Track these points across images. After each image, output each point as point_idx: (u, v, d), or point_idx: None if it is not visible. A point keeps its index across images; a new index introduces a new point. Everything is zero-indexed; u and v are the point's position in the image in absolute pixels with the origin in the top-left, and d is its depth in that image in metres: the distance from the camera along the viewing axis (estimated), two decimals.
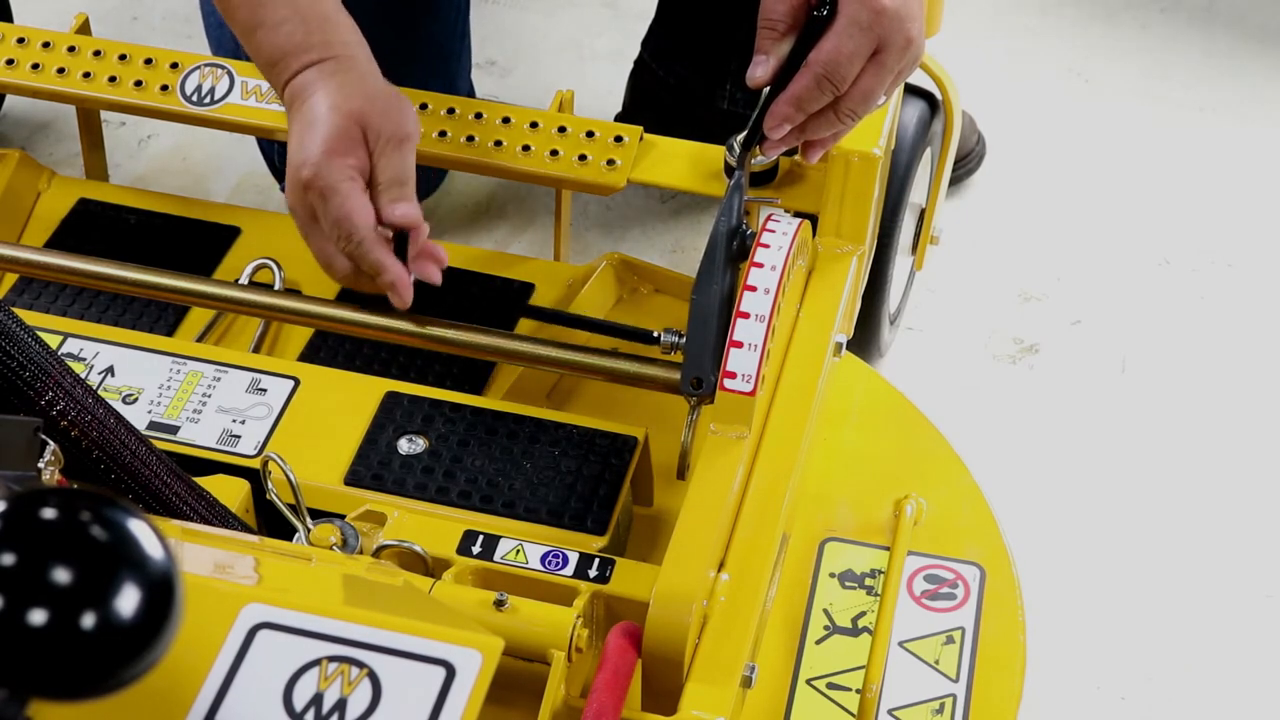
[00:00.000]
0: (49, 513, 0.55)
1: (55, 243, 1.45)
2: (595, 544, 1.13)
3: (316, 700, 0.69)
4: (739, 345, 1.07)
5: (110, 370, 1.25)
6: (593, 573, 1.06)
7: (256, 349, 1.35)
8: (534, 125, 1.38)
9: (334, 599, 0.81)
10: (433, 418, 1.22)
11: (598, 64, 1.98)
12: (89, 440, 0.92)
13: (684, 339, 1.13)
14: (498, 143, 1.37)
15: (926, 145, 1.50)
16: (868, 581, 1.15)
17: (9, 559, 0.53)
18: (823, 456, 1.22)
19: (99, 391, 1.20)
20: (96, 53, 1.44)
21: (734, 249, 1.12)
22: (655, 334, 1.19)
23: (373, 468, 1.18)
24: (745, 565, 1.04)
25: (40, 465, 0.82)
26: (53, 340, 1.25)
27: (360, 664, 0.70)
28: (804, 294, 1.21)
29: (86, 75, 1.43)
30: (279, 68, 1.16)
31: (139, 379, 1.24)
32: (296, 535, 1.07)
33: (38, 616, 0.53)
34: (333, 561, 0.99)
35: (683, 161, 1.36)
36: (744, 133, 1.31)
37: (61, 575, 0.53)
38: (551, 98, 1.42)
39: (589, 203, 1.78)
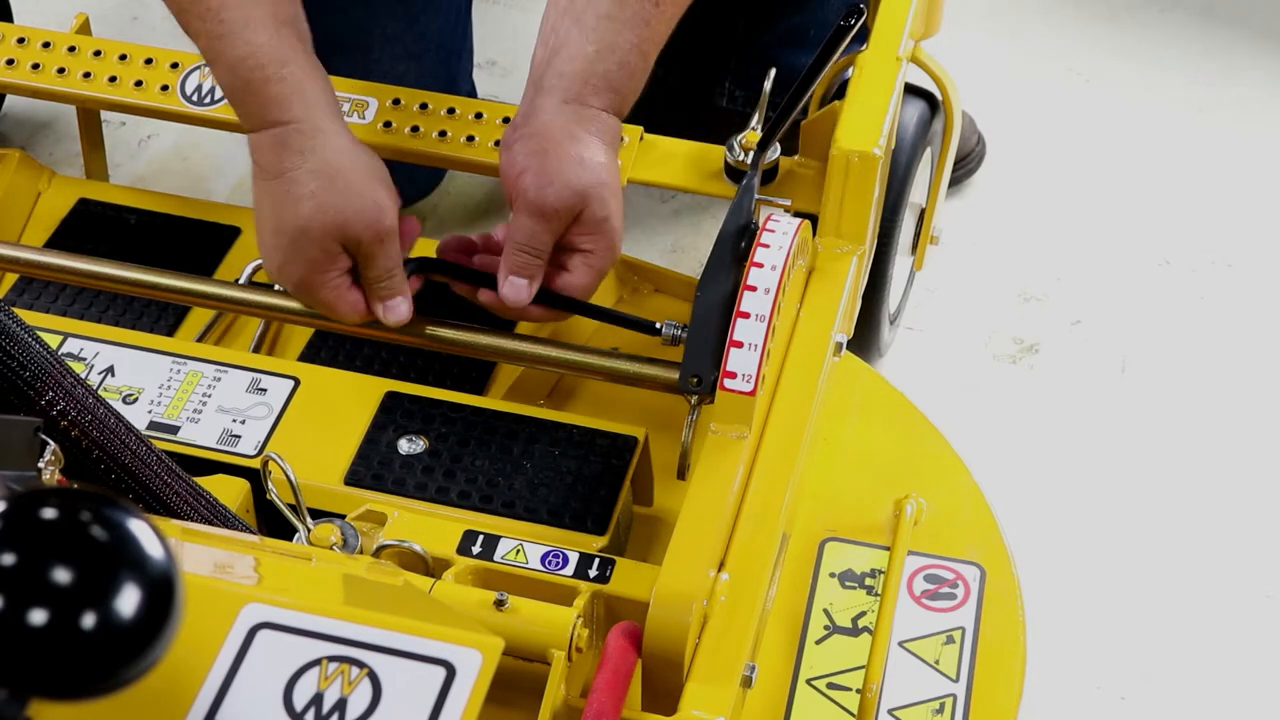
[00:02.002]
0: (49, 513, 0.55)
1: (55, 243, 1.45)
2: (595, 544, 1.13)
3: (316, 700, 0.69)
4: (739, 345, 1.07)
5: (110, 370, 1.25)
6: (593, 573, 1.06)
7: (256, 349, 1.35)
8: None
9: (334, 599, 0.81)
10: (433, 418, 1.22)
11: None
12: (89, 440, 0.92)
13: (685, 332, 1.13)
14: (498, 143, 1.37)
15: (926, 145, 1.50)
16: (868, 581, 1.15)
17: (9, 559, 0.53)
18: (823, 456, 1.22)
19: (99, 391, 1.20)
20: (96, 53, 1.44)
21: (742, 248, 1.12)
22: (658, 325, 1.19)
23: (373, 468, 1.18)
24: (745, 565, 1.04)
25: (40, 465, 0.82)
26: (53, 340, 1.25)
27: (360, 664, 0.70)
28: (804, 294, 1.21)
29: (87, 75, 1.43)
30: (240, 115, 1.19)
31: (139, 379, 1.24)
32: (296, 535, 1.07)
33: (38, 616, 0.53)
34: (333, 561, 0.99)
35: (683, 161, 1.36)
36: (744, 133, 1.31)
37: (62, 575, 0.53)
38: None
39: None
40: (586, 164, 1.16)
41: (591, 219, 1.17)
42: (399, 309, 1.19)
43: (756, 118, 1.31)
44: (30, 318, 1.14)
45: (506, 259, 1.17)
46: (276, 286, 1.34)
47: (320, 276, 1.17)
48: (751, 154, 1.30)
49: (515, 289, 1.17)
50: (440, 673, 0.71)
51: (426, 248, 1.29)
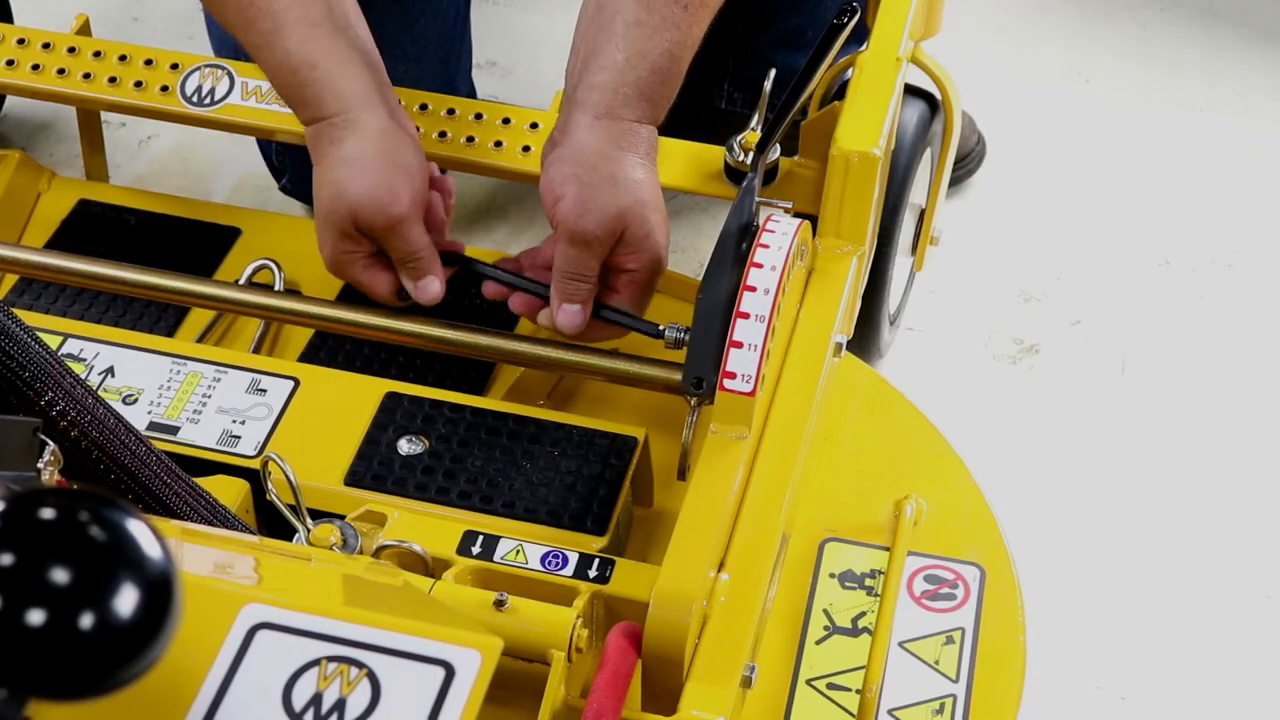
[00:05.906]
0: (48, 513, 0.55)
1: (55, 243, 1.45)
2: (595, 544, 1.13)
3: (316, 700, 0.69)
4: (739, 345, 1.07)
5: (110, 371, 1.25)
6: (593, 573, 1.06)
7: (256, 349, 1.35)
8: (534, 125, 1.38)
9: (334, 599, 0.81)
10: (433, 418, 1.22)
11: None
12: (89, 441, 0.92)
13: (688, 335, 1.13)
14: (498, 143, 1.37)
15: (926, 145, 1.50)
16: (868, 582, 1.15)
17: (8, 559, 0.53)
18: (823, 456, 1.22)
19: (99, 392, 1.20)
20: (97, 53, 1.44)
21: (743, 250, 1.12)
22: (661, 328, 1.19)
23: (373, 468, 1.18)
24: (745, 565, 1.04)
25: (40, 465, 0.82)
26: (53, 341, 1.25)
27: (360, 664, 0.70)
28: (804, 294, 1.21)
29: (87, 76, 1.43)
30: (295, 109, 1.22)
31: (139, 379, 1.24)
32: (296, 535, 1.07)
33: (36, 616, 0.53)
34: (332, 561, 0.99)
35: (683, 161, 1.36)
36: (744, 133, 1.31)
37: (60, 575, 0.53)
38: (551, 98, 1.42)
39: None
40: (621, 184, 1.16)
41: (633, 239, 1.17)
42: (429, 288, 1.20)
43: (756, 118, 1.31)
44: (30, 318, 1.14)
45: (556, 287, 1.18)
46: (277, 286, 1.35)
47: (346, 257, 1.20)
48: (751, 155, 1.30)
49: (569, 315, 1.18)
50: (440, 673, 0.71)
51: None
